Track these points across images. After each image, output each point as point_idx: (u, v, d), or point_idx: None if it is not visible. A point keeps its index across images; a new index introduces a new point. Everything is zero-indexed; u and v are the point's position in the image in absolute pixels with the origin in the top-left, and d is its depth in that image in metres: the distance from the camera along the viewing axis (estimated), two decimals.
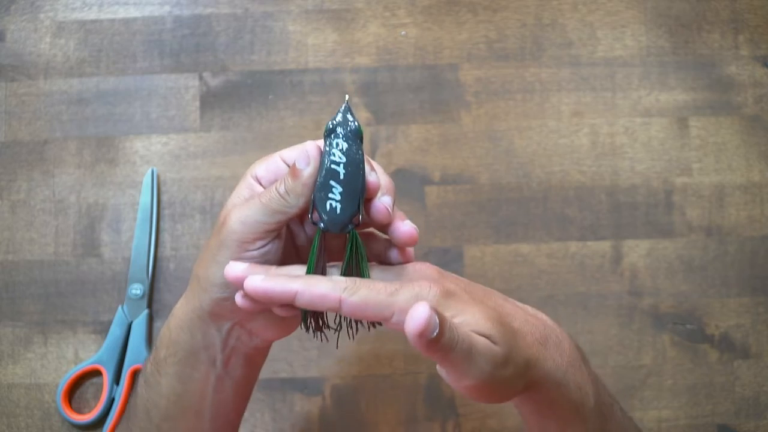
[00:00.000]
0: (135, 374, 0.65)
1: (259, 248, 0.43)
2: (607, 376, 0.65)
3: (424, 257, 0.66)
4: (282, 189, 0.43)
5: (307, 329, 0.43)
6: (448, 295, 0.40)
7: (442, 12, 0.69)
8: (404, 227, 0.43)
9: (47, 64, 0.69)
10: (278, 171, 0.45)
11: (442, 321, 0.37)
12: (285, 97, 0.68)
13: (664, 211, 0.67)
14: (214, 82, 0.68)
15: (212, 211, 0.67)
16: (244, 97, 0.68)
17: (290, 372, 0.65)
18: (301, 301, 0.40)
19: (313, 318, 0.43)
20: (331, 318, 0.44)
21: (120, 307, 0.65)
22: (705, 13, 0.69)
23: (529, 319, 0.44)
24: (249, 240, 0.42)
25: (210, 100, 0.68)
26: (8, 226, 0.67)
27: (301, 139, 0.68)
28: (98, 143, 0.68)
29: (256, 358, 0.49)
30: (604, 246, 0.67)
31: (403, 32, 0.69)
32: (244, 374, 0.48)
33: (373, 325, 0.44)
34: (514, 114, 0.68)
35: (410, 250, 0.45)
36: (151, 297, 0.66)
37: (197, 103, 0.68)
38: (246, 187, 0.46)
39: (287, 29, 0.69)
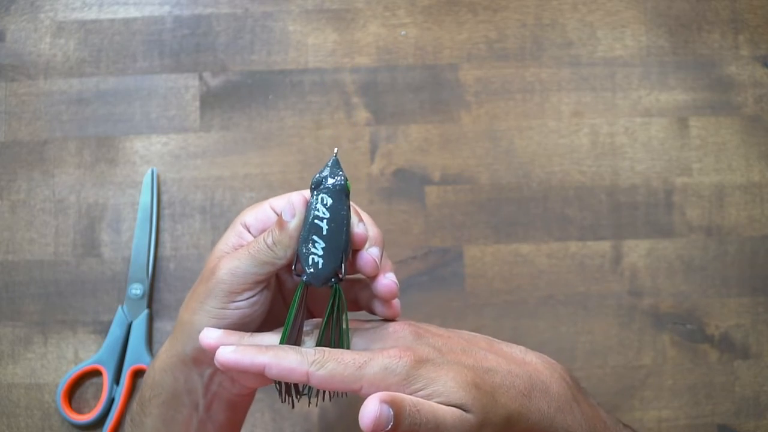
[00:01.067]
0: (135, 374, 0.65)
1: (247, 299, 0.43)
2: (607, 376, 0.65)
3: (424, 257, 0.66)
4: (270, 240, 0.43)
5: (279, 393, 0.44)
6: (419, 363, 0.40)
7: (442, 12, 0.69)
8: (384, 281, 0.43)
9: (47, 64, 0.69)
10: (267, 219, 0.46)
11: (399, 410, 0.37)
12: (285, 97, 0.68)
13: (664, 211, 0.67)
14: (214, 82, 0.68)
15: (212, 211, 0.67)
16: (244, 97, 0.68)
17: None
18: (270, 374, 0.40)
19: (285, 384, 0.43)
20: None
21: (120, 307, 0.65)
22: (705, 13, 0.69)
23: (513, 370, 0.43)
24: (237, 291, 0.43)
25: (210, 100, 0.68)
26: (8, 226, 0.67)
27: (301, 140, 0.69)
28: (98, 143, 0.68)
29: (239, 404, 0.49)
30: (604, 246, 0.67)
31: (403, 32, 0.69)
32: (227, 419, 0.48)
33: (345, 394, 0.43)
34: (514, 114, 0.68)
35: (395, 302, 0.45)
36: (151, 297, 0.66)
37: (197, 103, 0.68)
38: (235, 234, 0.46)
39: (287, 29, 0.69)
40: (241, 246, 0.45)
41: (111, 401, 0.64)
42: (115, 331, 0.65)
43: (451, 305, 0.66)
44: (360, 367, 0.39)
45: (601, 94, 0.68)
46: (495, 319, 0.66)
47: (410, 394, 0.39)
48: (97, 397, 0.65)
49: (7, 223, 0.67)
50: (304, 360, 0.40)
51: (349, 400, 0.65)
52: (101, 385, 0.65)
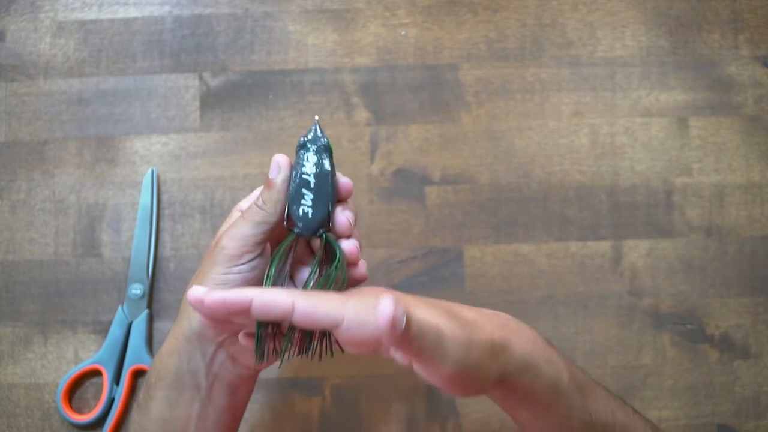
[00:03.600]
0: (135, 374, 0.65)
1: (248, 261, 0.47)
2: (607, 376, 0.65)
3: (424, 257, 0.66)
4: (260, 201, 0.47)
5: (259, 350, 0.45)
6: (398, 300, 0.41)
7: (442, 12, 0.69)
8: (347, 242, 0.48)
9: (47, 64, 0.69)
10: None
11: (409, 314, 0.38)
12: (285, 97, 0.68)
13: (664, 211, 0.67)
14: (214, 82, 0.68)
15: (212, 211, 0.67)
16: (244, 97, 0.68)
17: (290, 372, 0.65)
18: (257, 307, 0.41)
19: (267, 337, 0.45)
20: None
21: (120, 307, 0.65)
22: (705, 13, 0.69)
23: (485, 312, 0.47)
24: (238, 254, 0.46)
25: (210, 100, 0.68)
26: (8, 226, 0.67)
27: None
28: (98, 143, 0.68)
29: (240, 388, 0.51)
30: (604, 246, 0.67)
31: (403, 32, 0.69)
32: (229, 403, 0.50)
33: (323, 349, 0.46)
34: (514, 114, 0.68)
35: (362, 265, 0.49)
36: (151, 297, 0.66)
37: (197, 103, 0.68)
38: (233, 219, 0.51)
39: (287, 29, 0.69)
40: None
41: (111, 401, 0.64)
42: (115, 331, 0.65)
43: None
44: (342, 302, 0.40)
45: (601, 94, 0.68)
46: None
47: None
48: (97, 397, 0.65)
49: (7, 223, 0.67)
50: (289, 293, 0.41)
51: (349, 400, 0.65)
52: (101, 385, 0.65)
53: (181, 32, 0.69)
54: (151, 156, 0.68)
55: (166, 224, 0.67)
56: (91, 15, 0.69)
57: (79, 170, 0.68)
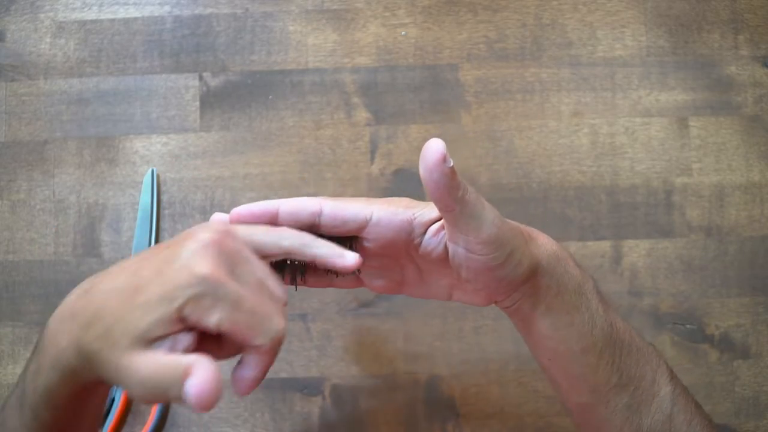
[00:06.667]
0: None
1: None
2: None
3: None
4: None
5: (289, 276, 0.46)
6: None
7: (442, 12, 0.69)
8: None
9: (47, 64, 0.69)
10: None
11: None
12: (285, 97, 0.68)
13: (664, 211, 0.67)
14: (214, 82, 0.68)
15: (212, 211, 0.67)
16: (244, 97, 0.68)
17: (290, 372, 0.65)
18: (283, 214, 0.42)
19: (291, 270, 0.46)
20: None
21: None
22: (705, 13, 0.69)
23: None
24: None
25: (210, 100, 0.68)
26: (8, 226, 0.67)
27: (301, 140, 0.68)
28: (98, 143, 0.68)
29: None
30: (604, 246, 0.67)
31: (403, 32, 0.69)
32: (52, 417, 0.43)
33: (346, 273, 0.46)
34: (514, 114, 0.68)
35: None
36: None
37: (197, 103, 0.68)
38: None
39: (287, 29, 0.69)
40: None
41: (111, 401, 0.64)
42: None
43: (451, 305, 0.66)
44: (368, 201, 0.43)
45: (601, 94, 0.68)
46: (495, 319, 0.66)
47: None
48: None
49: (7, 223, 0.67)
50: (315, 198, 0.43)
51: (349, 400, 0.64)
52: None
53: (181, 32, 0.69)
54: (151, 156, 0.68)
55: (166, 224, 0.67)
56: (91, 15, 0.69)
57: (79, 170, 0.68)
